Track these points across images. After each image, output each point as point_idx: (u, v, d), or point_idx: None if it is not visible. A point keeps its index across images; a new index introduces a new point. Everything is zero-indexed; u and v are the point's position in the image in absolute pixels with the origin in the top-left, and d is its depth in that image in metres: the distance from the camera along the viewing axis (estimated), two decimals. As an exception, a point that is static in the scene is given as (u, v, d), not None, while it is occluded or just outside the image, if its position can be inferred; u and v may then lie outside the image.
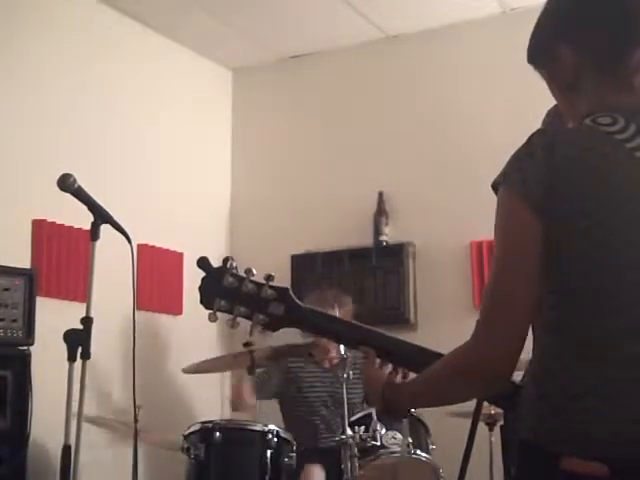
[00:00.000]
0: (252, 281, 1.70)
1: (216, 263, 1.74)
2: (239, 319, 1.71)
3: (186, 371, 3.85)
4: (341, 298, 4.24)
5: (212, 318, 1.70)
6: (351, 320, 1.82)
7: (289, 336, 3.96)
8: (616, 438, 1.35)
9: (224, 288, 1.68)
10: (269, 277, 1.70)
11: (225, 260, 1.70)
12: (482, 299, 1.48)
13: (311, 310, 1.75)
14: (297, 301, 1.72)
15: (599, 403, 1.37)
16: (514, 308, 1.42)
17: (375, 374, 1.71)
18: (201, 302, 1.69)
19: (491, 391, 1.51)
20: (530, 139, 1.46)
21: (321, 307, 4.07)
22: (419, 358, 1.69)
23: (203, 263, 1.70)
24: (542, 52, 1.60)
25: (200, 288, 1.69)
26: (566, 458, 1.36)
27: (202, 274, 1.71)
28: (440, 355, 1.63)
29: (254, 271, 1.71)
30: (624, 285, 1.40)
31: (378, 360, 1.72)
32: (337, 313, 3.88)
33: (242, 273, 1.71)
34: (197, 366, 3.77)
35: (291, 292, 1.72)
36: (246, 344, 3.65)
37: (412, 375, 1.72)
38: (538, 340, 1.48)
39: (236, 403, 4.31)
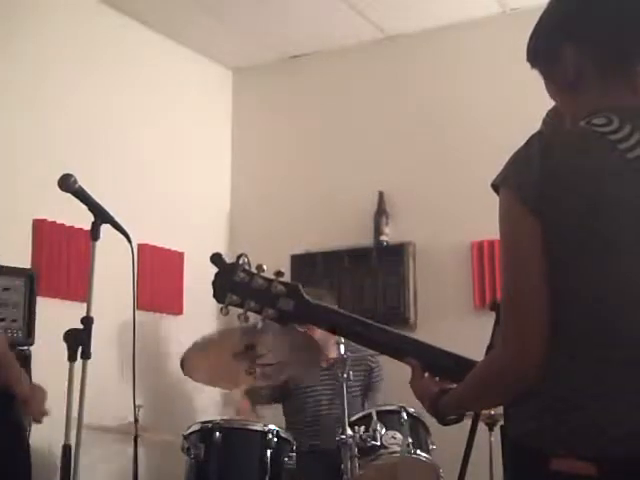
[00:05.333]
0: (262, 277, 1.74)
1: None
2: (249, 313, 1.76)
3: (184, 366, 3.79)
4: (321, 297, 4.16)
5: (224, 312, 1.76)
6: (359, 317, 1.83)
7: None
8: (602, 438, 1.36)
9: (236, 283, 1.73)
10: (279, 273, 1.75)
11: (238, 257, 1.75)
12: (501, 307, 1.49)
13: (320, 306, 1.77)
14: (306, 297, 1.76)
15: (586, 404, 1.38)
16: (527, 313, 1.43)
17: (423, 384, 1.71)
18: (214, 296, 1.75)
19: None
20: (529, 141, 1.47)
21: None
22: (433, 358, 1.72)
23: (216, 259, 1.76)
24: (543, 51, 1.60)
25: (213, 283, 1.75)
26: (554, 458, 1.37)
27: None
28: (465, 360, 1.66)
29: (265, 267, 1.76)
30: (618, 289, 1.41)
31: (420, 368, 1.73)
32: None
33: (254, 269, 1.76)
34: (193, 355, 3.70)
35: (301, 288, 1.76)
36: (248, 346, 3.64)
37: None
38: None
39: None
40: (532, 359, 1.42)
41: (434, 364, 1.74)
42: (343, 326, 1.81)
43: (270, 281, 1.74)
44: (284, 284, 1.74)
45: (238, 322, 1.79)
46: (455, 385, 1.67)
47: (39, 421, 2.76)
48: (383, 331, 1.78)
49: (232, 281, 1.73)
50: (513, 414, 1.48)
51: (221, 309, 1.75)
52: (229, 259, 1.78)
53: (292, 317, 1.75)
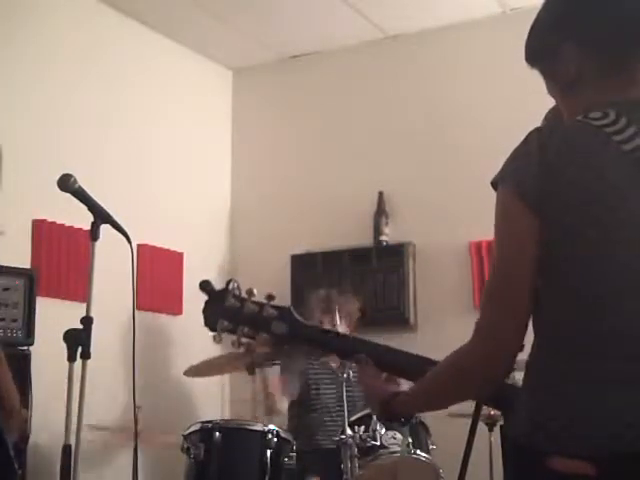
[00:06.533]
0: (253, 301, 1.73)
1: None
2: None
3: (187, 374, 3.85)
4: (342, 300, 4.19)
5: (217, 339, 1.74)
6: (348, 332, 1.85)
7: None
8: (602, 436, 1.35)
9: (227, 309, 1.71)
10: (270, 297, 1.73)
11: (227, 282, 1.73)
12: (481, 300, 1.49)
13: (312, 327, 1.78)
14: (299, 318, 1.74)
15: (584, 402, 1.38)
16: (509, 309, 1.44)
17: (372, 382, 1.72)
18: (205, 324, 1.73)
19: (490, 389, 1.53)
20: (527, 138, 1.47)
21: (321, 310, 4.05)
22: (416, 367, 1.69)
23: (205, 286, 1.73)
24: (543, 50, 1.60)
25: (203, 311, 1.73)
26: (553, 457, 1.37)
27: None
28: (435, 362, 1.64)
29: (255, 292, 1.74)
30: (617, 285, 1.41)
31: (374, 369, 1.73)
32: (338, 317, 3.87)
33: (244, 294, 1.74)
34: (197, 368, 3.77)
35: (292, 310, 1.74)
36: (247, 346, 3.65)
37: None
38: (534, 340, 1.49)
39: (270, 405, 4.26)
40: (508, 354, 1.43)
41: (387, 363, 1.73)
42: (334, 344, 1.80)
43: (262, 305, 1.72)
44: (276, 307, 1.73)
45: (233, 348, 1.77)
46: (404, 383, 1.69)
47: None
48: (367, 344, 1.77)
49: (223, 307, 1.71)
50: (512, 413, 1.48)
51: (214, 337, 1.73)
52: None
53: (286, 340, 1.73)
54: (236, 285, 1.73)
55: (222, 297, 1.72)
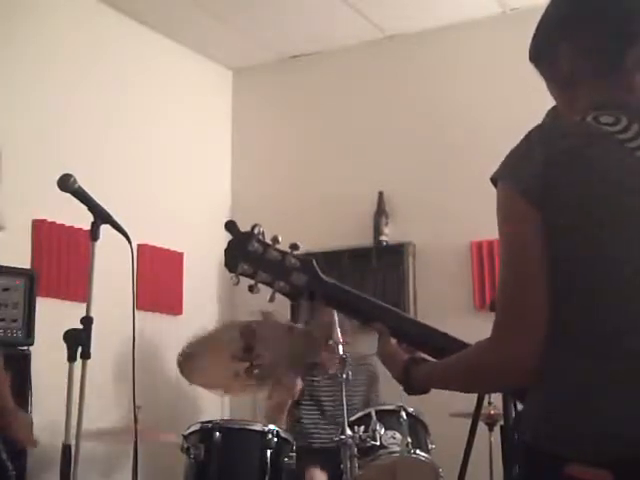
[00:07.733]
0: (277, 249, 1.70)
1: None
2: (260, 286, 1.71)
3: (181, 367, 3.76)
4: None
5: (234, 281, 1.70)
6: (372, 298, 1.80)
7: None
8: (618, 441, 1.33)
9: (249, 253, 1.69)
10: (294, 246, 1.70)
11: (253, 227, 1.71)
12: (496, 301, 1.47)
13: (333, 284, 1.73)
14: (320, 273, 1.71)
15: (598, 405, 1.36)
16: (523, 311, 1.40)
17: (392, 350, 1.70)
18: (225, 265, 1.70)
19: (509, 388, 1.51)
20: (528, 134, 1.46)
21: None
22: (437, 343, 1.70)
23: (231, 226, 1.71)
24: (542, 51, 1.61)
25: (225, 251, 1.70)
26: (568, 463, 1.34)
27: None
28: (455, 340, 1.64)
29: (280, 239, 1.72)
30: (622, 283, 1.40)
31: (394, 340, 1.71)
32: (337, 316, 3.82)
33: (269, 240, 1.71)
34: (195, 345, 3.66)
35: (315, 264, 1.71)
36: (246, 348, 3.63)
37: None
38: None
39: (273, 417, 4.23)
40: (524, 357, 1.40)
41: (406, 333, 1.73)
42: (353, 306, 1.76)
43: (284, 254, 1.69)
44: (299, 258, 1.70)
45: (249, 293, 1.69)
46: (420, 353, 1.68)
47: (32, 446, 2.76)
48: (387, 311, 1.76)
49: (245, 250, 1.68)
50: (525, 416, 1.45)
51: (231, 278, 1.70)
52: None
53: (303, 292, 1.70)
54: (261, 230, 1.70)
55: (246, 240, 1.69)
